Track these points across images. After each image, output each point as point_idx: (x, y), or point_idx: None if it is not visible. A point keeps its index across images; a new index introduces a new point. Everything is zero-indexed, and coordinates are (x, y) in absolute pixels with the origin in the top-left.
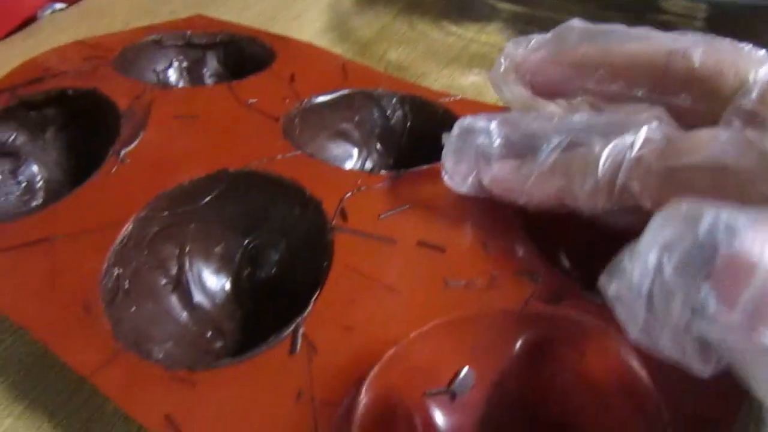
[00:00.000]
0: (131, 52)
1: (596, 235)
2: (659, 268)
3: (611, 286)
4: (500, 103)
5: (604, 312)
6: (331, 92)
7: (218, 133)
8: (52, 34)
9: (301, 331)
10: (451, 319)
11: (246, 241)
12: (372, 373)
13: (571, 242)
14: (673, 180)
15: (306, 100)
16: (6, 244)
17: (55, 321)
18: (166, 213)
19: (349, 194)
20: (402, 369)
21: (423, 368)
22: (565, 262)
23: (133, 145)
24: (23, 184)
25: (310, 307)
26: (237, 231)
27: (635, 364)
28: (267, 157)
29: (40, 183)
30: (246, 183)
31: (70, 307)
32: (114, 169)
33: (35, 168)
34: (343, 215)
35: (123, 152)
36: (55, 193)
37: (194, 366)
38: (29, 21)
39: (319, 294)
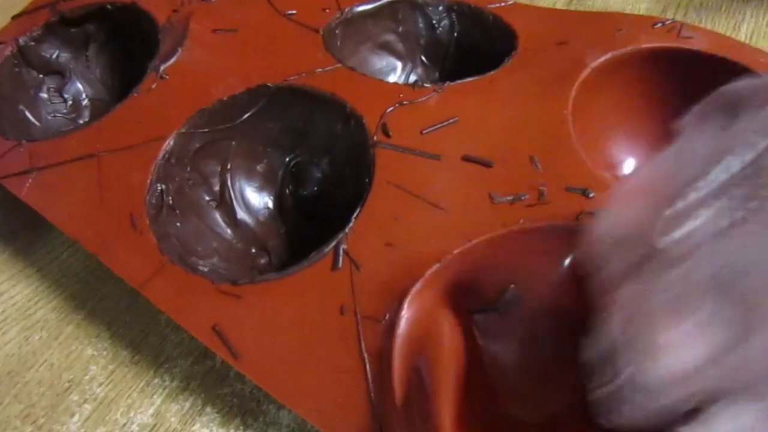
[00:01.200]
0: None
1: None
2: None
3: None
4: (558, 6)
5: None
6: (374, 0)
7: (257, 47)
8: None
9: (342, 247)
10: (496, 235)
11: (288, 158)
12: (414, 289)
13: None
14: None
15: (347, 10)
16: (55, 159)
17: (104, 234)
18: (206, 129)
19: (391, 108)
20: (446, 285)
21: (467, 285)
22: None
23: (172, 61)
24: (69, 102)
25: (350, 224)
26: (278, 148)
27: None
28: (307, 71)
29: (86, 101)
30: (286, 98)
31: (117, 221)
32: (154, 85)
33: (80, 85)
34: (385, 130)
35: (162, 68)
36: (100, 110)
37: (238, 280)
38: None
39: (360, 211)
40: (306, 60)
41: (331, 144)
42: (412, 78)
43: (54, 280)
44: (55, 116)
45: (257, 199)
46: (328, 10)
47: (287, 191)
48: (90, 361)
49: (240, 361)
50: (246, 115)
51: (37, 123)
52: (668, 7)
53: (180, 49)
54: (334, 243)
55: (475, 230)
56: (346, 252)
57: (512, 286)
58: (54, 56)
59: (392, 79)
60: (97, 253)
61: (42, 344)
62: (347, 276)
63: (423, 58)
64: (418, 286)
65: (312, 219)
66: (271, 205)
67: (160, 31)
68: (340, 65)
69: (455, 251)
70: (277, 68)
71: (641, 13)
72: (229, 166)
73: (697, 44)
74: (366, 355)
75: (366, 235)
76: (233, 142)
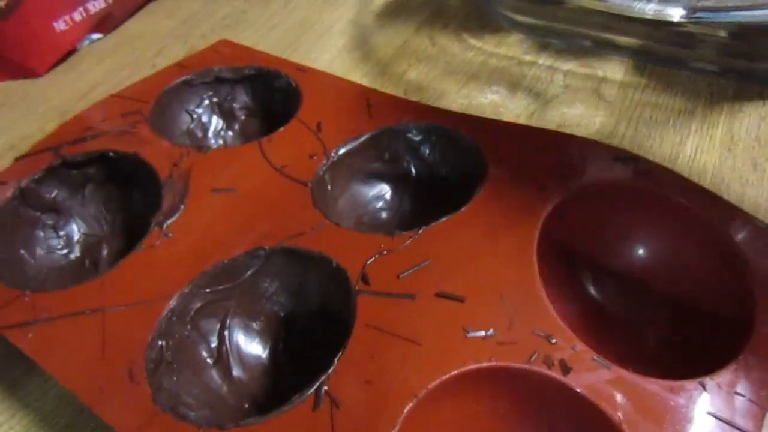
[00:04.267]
0: (165, 98)
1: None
2: None
3: None
4: (521, 118)
5: (611, 388)
6: (357, 137)
7: (253, 207)
8: (92, 65)
9: (324, 389)
10: (468, 371)
11: (283, 314)
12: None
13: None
14: None
15: (333, 153)
16: (58, 311)
17: (101, 387)
18: (207, 290)
19: (372, 259)
20: (424, 423)
21: (446, 419)
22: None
23: (174, 218)
24: (63, 238)
25: (333, 367)
26: (275, 304)
27: None
28: (299, 231)
29: (78, 236)
30: (281, 259)
31: (116, 374)
32: (158, 242)
33: (74, 222)
34: (365, 279)
35: (165, 225)
36: (91, 246)
37: (224, 425)
38: (69, 53)
39: (341, 354)
40: (298, 218)
41: (321, 298)
42: (405, 198)
43: (50, 410)
44: (48, 252)
45: (253, 356)
46: (315, 156)
47: (281, 346)
48: None
49: None
50: (244, 277)
51: (31, 260)
52: (621, 121)
53: (182, 207)
54: (316, 385)
55: (450, 364)
56: (327, 393)
57: None
58: (52, 196)
59: (386, 202)
60: (91, 405)
61: None
62: (327, 415)
63: (413, 176)
64: (397, 428)
65: (299, 361)
66: (266, 360)
67: (163, 186)
68: (327, 222)
69: (431, 385)
70: (272, 229)
71: (596, 126)
72: (227, 324)
73: (651, 181)
74: None
75: (346, 375)
76: (232, 301)
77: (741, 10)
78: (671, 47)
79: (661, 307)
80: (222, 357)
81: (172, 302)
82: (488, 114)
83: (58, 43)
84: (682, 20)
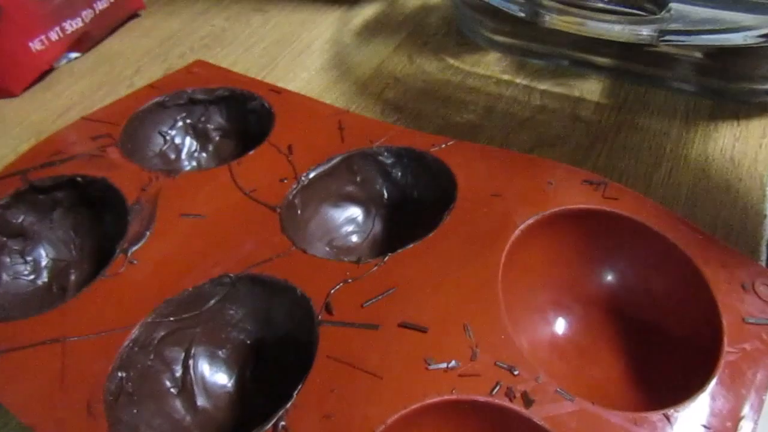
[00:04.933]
0: (136, 120)
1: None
2: None
3: None
4: (495, 140)
5: (573, 421)
6: (328, 160)
7: (221, 232)
8: (69, 84)
9: (281, 424)
10: (430, 404)
11: (249, 342)
12: None
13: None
14: None
15: (303, 177)
16: (19, 342)
17: (59, 421)
18: (172, 318)
19: (336, 287)
20: None
21: None
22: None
23: (140, 244)
24: (30, 264)
25: (292, 401)
26: (241, 332)
27: None
28: (266, 258)
29: (46, 261)
30: (246, 286)
31: (75, 408)
32: (122, 269)
33: (41, 247)
34: (329, 309)
35: (131, 251)
36: (60, 271)
37: None
38: (47, 72)
39: (301, 387)
40: (265, 245)
41: (287, 326)
42: (377, 220)
43: None
44: (15, 277)
45: (219, 384)
46: (286, 180)
47: (248, 375)
48: None
49: None
50: (209, 304)
51: None
52: (596, 142)
53: (148, 233)
54: (274, 420)
55: (411, 397)
56: (285, 428)
57: None
58: (20, 221)
59: (358, 225)
60: None
61: None
62: None
63: (384, 199)
64: None
65: (263, 392)
66: (232, 389)
67: (130, 211)
68: (294, 248)
69: (389, 420)
70: (239, 255)
71: (572, 146)
72: (192, 353)
73: (619, 206)
74: None
75: (305, 409)
76: (197, 329)
77: (708, 33)
78: (648, 66)
79: (628, 335)
80: (186, 386)
81: (135, 332)
82: (464, 133)
83: (34, 63)
84: (652, 43)
